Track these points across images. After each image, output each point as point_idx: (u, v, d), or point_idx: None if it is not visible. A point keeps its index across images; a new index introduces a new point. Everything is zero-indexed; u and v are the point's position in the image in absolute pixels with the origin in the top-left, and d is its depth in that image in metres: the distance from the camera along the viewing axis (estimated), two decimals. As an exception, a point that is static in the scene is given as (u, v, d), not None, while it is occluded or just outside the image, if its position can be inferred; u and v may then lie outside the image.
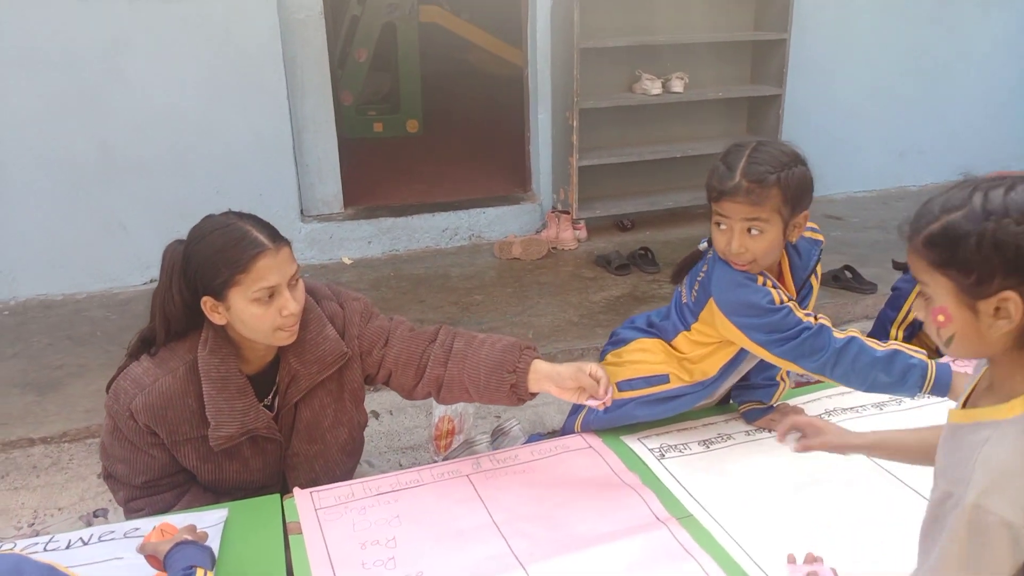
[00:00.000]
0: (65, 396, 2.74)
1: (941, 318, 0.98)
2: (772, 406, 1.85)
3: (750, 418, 1.87)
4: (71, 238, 3.63)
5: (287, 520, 1.60)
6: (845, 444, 1.40)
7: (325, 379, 1.75)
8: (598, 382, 1.60)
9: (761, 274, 1.64)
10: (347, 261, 3.98)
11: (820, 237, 1.76)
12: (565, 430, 1.94)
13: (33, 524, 2.21)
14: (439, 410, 2.51)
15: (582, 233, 4.15)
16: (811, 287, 1.77)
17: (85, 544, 1.54)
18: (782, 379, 1.84)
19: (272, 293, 1.56)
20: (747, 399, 1.87)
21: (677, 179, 4.37)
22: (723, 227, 1.60)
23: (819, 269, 1.77)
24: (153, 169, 3.67)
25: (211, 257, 1.54)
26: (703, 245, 1.74)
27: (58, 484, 2.35)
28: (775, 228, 1.58)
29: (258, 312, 1.56)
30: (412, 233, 4.09)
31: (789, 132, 4.36)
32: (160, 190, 3.68)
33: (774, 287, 1.64)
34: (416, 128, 6.41)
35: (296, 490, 1.68)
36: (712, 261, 1.68)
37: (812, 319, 1.63)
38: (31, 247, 3.62)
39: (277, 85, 3.71)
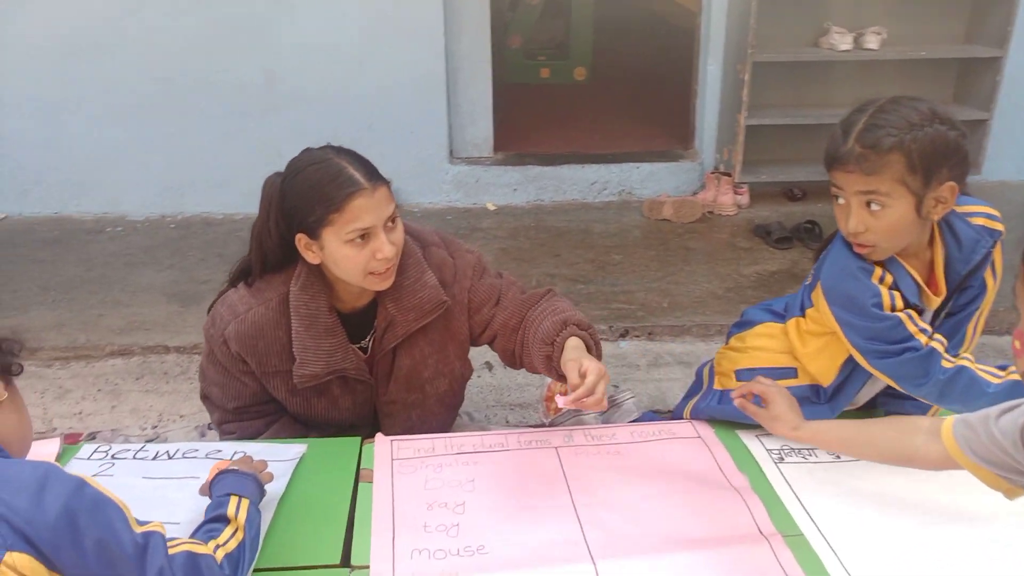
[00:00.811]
0: (203, 310, 2.84)
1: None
2: None
3: None
4: (233, 161, 3.79)
5: (362, 466, 1.54)
6: (788, 434, 1.40)
7: (427, 327, 1.66)
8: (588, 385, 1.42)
9: (885, 266, 1.36)
10: (491, 207, 3.90)
11: (997, 226, 1.42)
12: (675, 414, 1.75)
13: (156, 427, 2.33)
14: (553, 371, 2.40)
15: (744, 199, 3.81)
16: (981, 287, 1.44)
17: (170, 458, 1.57)
18: None
19: (366, 234, 1.47)
20: (896, 411, 1.59)
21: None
22: (840, 201, 1.34)
23: (998, 265, 1.43)
24: (311, 100, 3.73)
25: (305, 193, 1.47)
26: None
27: (183, 392, 2.46)
28: (902, 203, 1.29)
29: (351, 254, 1.48)
30: (559, 184, 3.93)
31: (1008, 104, 3.76)
32: (316, 121, 3.74)
33: (894, 288, 1.35)
34: (584, 76, 6.19)
35: (378, 436, 1.62)
36: (835, 239, 1.42)
37: (924, 338, 1.34)
38: (199, 167, 3.82)
39: (435, 23, 3.64)
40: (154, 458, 1.56)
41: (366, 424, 1.78)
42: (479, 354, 2.60)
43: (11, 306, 2.89)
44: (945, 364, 1.35)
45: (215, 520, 1.19)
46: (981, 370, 1.35)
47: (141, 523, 1.06)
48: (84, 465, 1.53)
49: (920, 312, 1.41)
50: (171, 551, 1.04)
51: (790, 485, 1.46)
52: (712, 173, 3.79)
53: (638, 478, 1.49)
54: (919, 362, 1.34)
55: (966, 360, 1.36)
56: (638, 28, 6.58)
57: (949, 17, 3.83)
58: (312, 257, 1.53)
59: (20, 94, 3.62)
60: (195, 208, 3.87)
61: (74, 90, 3.63)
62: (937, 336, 1.37)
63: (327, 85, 3.72)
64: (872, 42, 3.60)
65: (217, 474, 1.28)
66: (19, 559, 0.92)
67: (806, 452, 1.56)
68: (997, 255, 1.43)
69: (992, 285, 1.45)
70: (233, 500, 1.22)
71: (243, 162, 3.80)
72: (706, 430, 1.64)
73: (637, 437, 1.63)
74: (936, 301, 1.43)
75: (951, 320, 1.47)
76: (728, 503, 1.41)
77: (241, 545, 1.16)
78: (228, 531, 1.17)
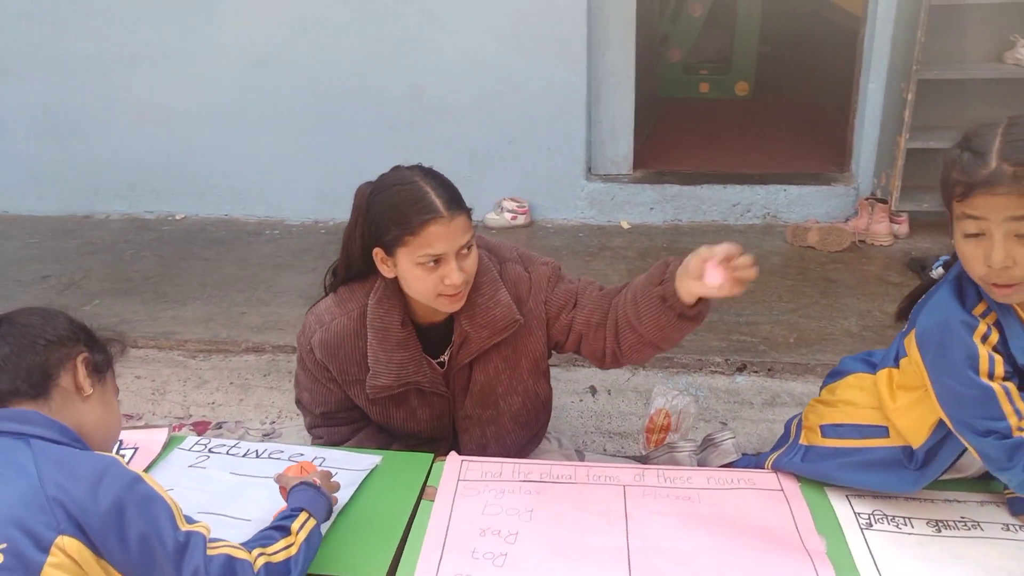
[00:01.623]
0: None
1: None
2: None
3: (1016, 509, 1.40)
4: (382, 170, 3.97)
5: (429, 483, 1.57)
6: None
7: (501, 344, 1.68)
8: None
9: (996, 321, 1.19)
10: (625, 225, 3.83)
11: None
12: (757, 463, 1.63)
13: (275, 423, 2.49)
14: (658, 401, 2.32)
15: (902, 228, 3.50)
16: None
17: (257, 457, 1.67)
18: None
19: (438, 259, 1.51)
20: None
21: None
22: (977, 235, 1.16)
23: None
24: (455, 114, 3.84)
25: (386, 212, 1.53)
26: (937, 271, 1.31)
27: (303, 392, 2.62)
28: None
29: (421, 275, 1.53)
30: (699, 204, 3.79)
31: None
32: (459, 135, 3.85)
33: (997, 349, 1.17)
34: (746, 91, 5.94)
35: (451, 455, 1.64)
36: (942, 283, 1.26)
37: (1016, 420, 1.16)
38: (350, 175, 4.04)
39: (578, 37, 3.63)
40: (244, 455, 1.68)
41: (447, 437, 1.82)
42: (584, 378, 2.58)
43: (173, 299, 3.20)
44: None
45: (277, 528, 1.23)
46: None
47: (189, 521, 1.13)
48: (184, 455, 1.67)
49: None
50: (210, 552, 1.10)
51: (872, 556, 1.33)
52: (866, 199, 3.50)
53: (703, 527, 1.42)
54: (1005, 449, 1.16)
55: None
56: (807, 40, 6.22)
57: None
58: (387, 271, 1.59)
59: (202, 105, 4.01)
60: (345, 215, 4.03)
61: (244, 102, 3.97)
62: None
63: (470, 99, 3.82)
64: (1066, 58, 3.19)
65: (300, 484, 1.33)
66: (70, 543, 1.02)
67: (902, 520, 1.41)
68: None
69: None
70: (302, 516, 1.26)
71: (389, 173, 4.00)
72: (790, 483, 1.52)
73: (713, 483, 1.54)
74: None
75: None
76: (796, 565, 1.31)
77: (289, 561, 1.19)
78: (282, 543, 1.20)
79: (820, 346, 2.60)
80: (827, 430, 1.45)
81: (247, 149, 4.06)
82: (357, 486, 1.54)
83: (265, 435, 2.41)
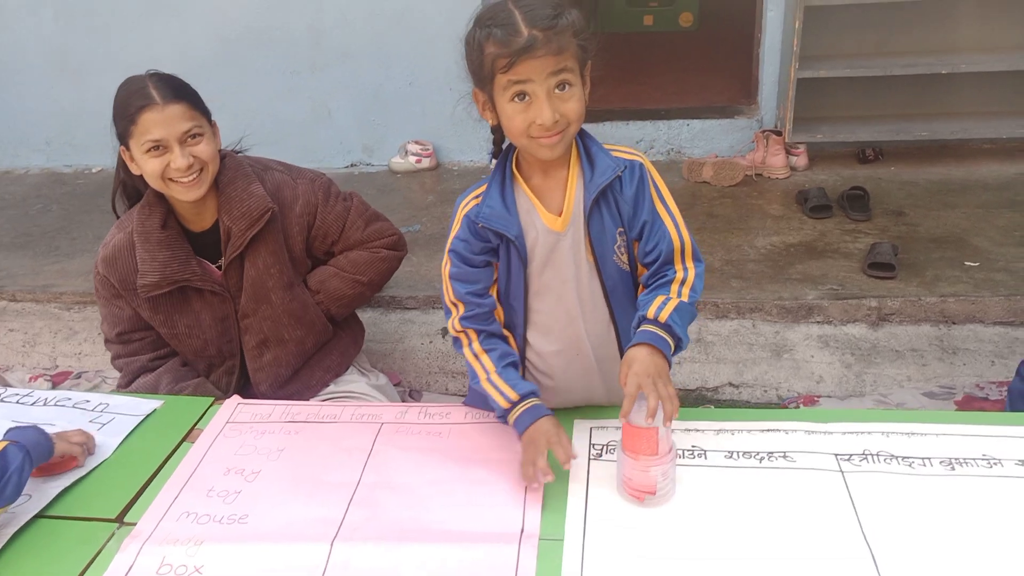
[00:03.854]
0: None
1: None
2: None
3: None
4: (286, 118, 3.96)
5: (199, 426, 1.61)
6: None
7: (266, 238, 1.80)
8: None
9: None
10: (530, 165, 3.80)
11: None
12: None
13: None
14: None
15: (800, 160, 3.45)
16: None
17: (44, 405, 1.71)
18: None
19: (159, 146, 1.62)
20: None
21: (945, 102, 3.38)
22: (523, 99, 1.27)
23: None
24: (356, 57, 3.80)
25: (116, 110, 1.66)
26: None
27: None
28: None
29: (149, 163, 1.64)
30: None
31: None
32: (360, 79, 3.82)
33: None
34: (690, 22, 5.81)
35: (235, 398, 1.69)
36: None
37: None
38: (255, 122, 4.01)
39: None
40: (32, 404, 1.73)
41: (235, 351, 1.90)
42: (439, 320, 2.61)
43: (64, 252, 3.20)
44: None
45: None
46: None
47: None
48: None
49: None
50: None
51: (588, 488, 1.36)
52: (762, 132, 3.45)
53: (441, 461, 1.46)
54: None
55: None
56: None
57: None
58: (133, 168, 1.70)
59: (113, 53, 3.98)
60: (257, 162, 4.10)
61: (151, 49, 3.92)
62: None
63: (369, 41, 3.77)
64: (959, -22, 3.09)
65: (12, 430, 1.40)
66: None
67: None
68: None
69: None
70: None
71: (294, 119, 3.98)
72: (544, 417, 1.55)
73: (470, 419, 1.58)
74: None
75: None
76: (510, 497, 1.34)
77: None
78: None
79: (676, 282, 2.59)
80: None
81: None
82: (127, 432, 1.59)
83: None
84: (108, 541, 1.31)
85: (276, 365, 1.91)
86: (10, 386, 2.33)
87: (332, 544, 1.27)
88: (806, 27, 3.18)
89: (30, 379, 2.49)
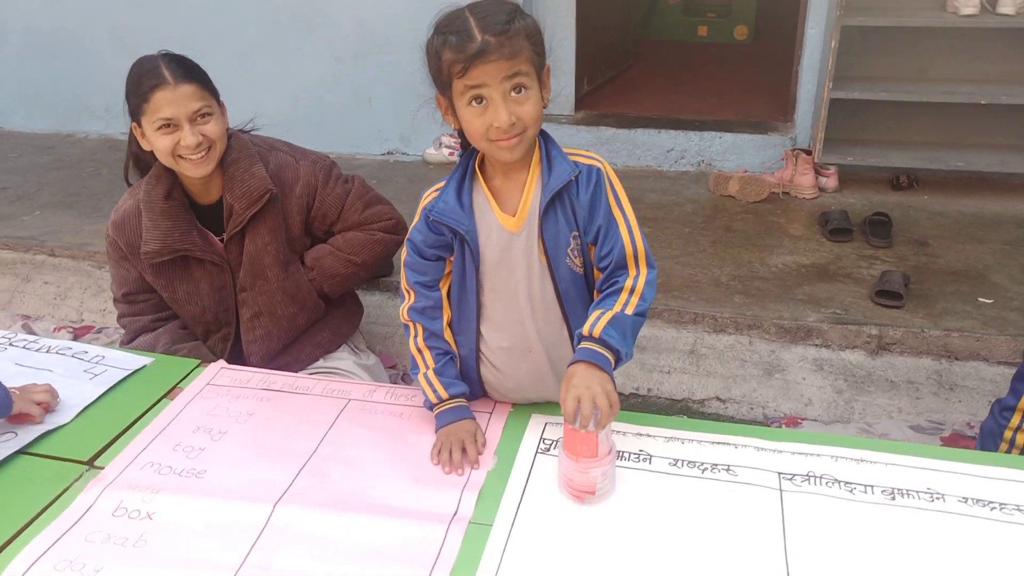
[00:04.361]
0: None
1: None
2: None
3: None
4: (331, 102, 4.08)
5: (181, 385, 1.71)
6: None
7: (266, 216, 1.89)
8: None
9: None
10: (559, 166, 3.84)
11: None
12: None
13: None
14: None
15: (830, 182, 3.41)
16: None
17: (47, 352, 1.83)
18: None
19: (170, 124, 1.71)
20: None
21: (983, 133, 3.30)
22: (480, 103, 1.30)
23: None
24: (398, 48, 3.89)
25: (129, 88, 1.75)
26: None
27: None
28: None
29: (160, 140, 1.73)
30: (633, 148, 3.76)
31: None
32: (401, 69, 3.90)
33: None
34: (745, 35, 5.75)
35: (220, 362, 1.78)
36: None
37: None
38: (303, 106, 4.16)
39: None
40: (37, 350, 1.85)
41: (231, 319, 1.99)
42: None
43: (106, 214, 3.39)
44: None
45: None
46: None
47: None
48: (-12, 347, 1.86)
49: None
50: None
51: (528, 480, 1.40)
52: (792, 150, 3.42)
53: (392, 441, 1.51)
54: None
55: None
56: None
57: None
58: (145, 144, 1.78)
59: (171, 30, 4.16)
60: (298, 141, 4.23)
61: (208, 28, 4.10)
62: None
63: (411, 34, 3.81)
64: (1007, 6, 3.00)
65: None
66: None
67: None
68: None
69: None
70: None
71: (337, 104, 4.09)
72: (504, 405, 1.59)
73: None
74: None
75: None
76: (452, 480, 1.40)
77: None
78: None
79: (679, 292, 2.61)
80: None
81: (212, 74, 4.21)
82: (113, 384, 1.69)
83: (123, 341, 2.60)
84: (75, 481, 1.41)
85: (268, 338, 1.99)
86: (34, 333, 2.49)
87: (275, 506, 1.34)
88: (845, 47, 3.14)
89: (54, 329, 2.63)
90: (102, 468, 1.45)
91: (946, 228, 3.06)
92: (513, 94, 1.29)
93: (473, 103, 1.29)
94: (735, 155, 3.66)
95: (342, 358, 2.09)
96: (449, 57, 1.28)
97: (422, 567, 1.21)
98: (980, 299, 2.53)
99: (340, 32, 3.96)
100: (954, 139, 3.35)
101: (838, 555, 1.22)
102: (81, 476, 1.43)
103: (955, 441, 2.12)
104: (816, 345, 2.41)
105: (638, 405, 2.33)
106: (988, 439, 1.70)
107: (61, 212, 3.43)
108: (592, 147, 3.81)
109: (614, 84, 4.49)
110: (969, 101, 3.12)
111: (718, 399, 2.30)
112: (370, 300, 2.69)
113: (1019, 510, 1.31)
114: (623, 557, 1.22)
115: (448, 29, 1.29)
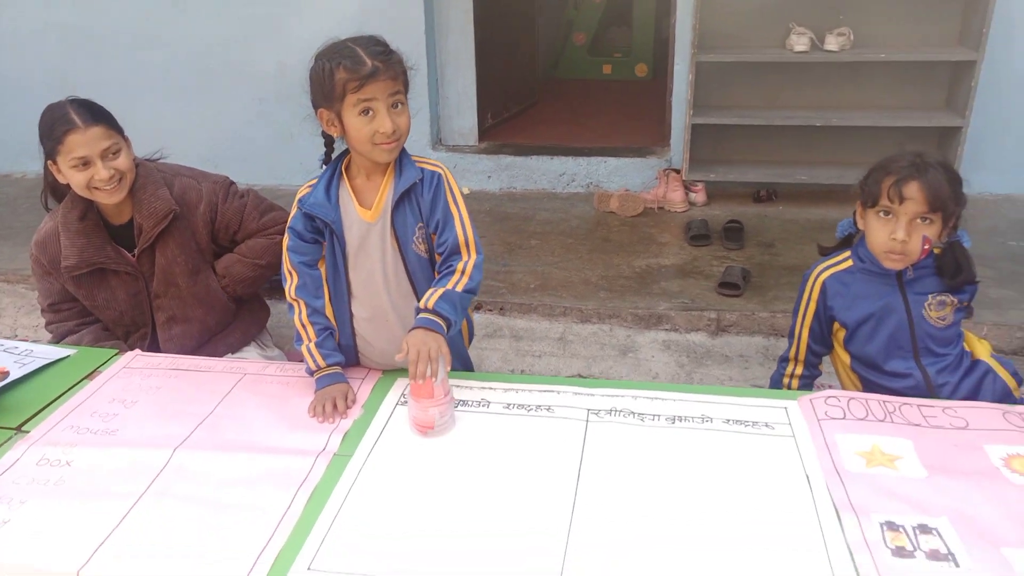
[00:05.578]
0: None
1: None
2: None
3: None
4: (256, 139, 4.42)
5: (100, 369, 2.00)
6: None
7: (174, 232, 2.14)
8: None
9: None
10: (465, 191, 4.21)
11: None
12: None
13: (83, 344, 2.95)
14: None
15: (699, 197, 3.86)
16: None
17: (-11, 351, 2.12)
18: None
19: (85, 162, 1.95)
20: None
21: (827, 151, 3.80)
22: (367, 113, 1.65)
23: None
24: (315, 88, 4.26)
25: (42, 132, 2.00)
26: None
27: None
28: None
29: (76, 176, 1.98)
30: (530, 173, 4.18)
31: (983, 111, 3.51)
32: (318, 107, 4.27)
33: None
34: (645, 72, 6.28)
35: (136, 350, 2.07)
36: None
37: None
38: (231, 143, 4.50)
39: (416, 22, 4.04)
40: (-18, 351, 2.13)
41: (147, 321, 2.25)
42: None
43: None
44: None
45: None
46: None
47: None
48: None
49: None
50: None
51: (388, 421, 1.73)
52: (664, 170, 3.87)
53: (278, 403, 1.80)
54: None
55: None
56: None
57: (937, 21, 3.63)
58: (61, 179, 2.04)
59: (103, 75, 4.47)
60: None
61: (136, 75, 4.42)
62: None
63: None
64: (832, 44, 3.52)
65: None
66: None
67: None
68: None
69: None
70: None
71: (262, 141, 4.43)
72: (376, 373, 1.92)
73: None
74: None
75: None
76: (326, 426, 1.71)
77: None
78: None
79: (553, 291, 2.99)
80: None
81: (140, 120, 4.49)
82: (39, 366, 1.98)
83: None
84: (4, 443, 1.70)
85: (182, 338, 2.28)
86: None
87: (174, 451, 1.64)
88: (703, 80, 3.62)
89: (-10, 345, 2.89)
90: (28, 432, 1.73)
91: (792, 233, 3.51)
92: (393, 108, 1.65)
93: (362, 114, 1.64)
94: (619, 176, 4.09)
95: (249, 352, 2.40)
96: (343, 76, 1.61)
97: (290, 488, 1.53)
98: (808, 288, 2.96)
99: (264, 76, 4.33)
100: (803, 157, 3.85)
101: (624, 468, 1.54)
102: (10, 439, 1.71)
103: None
104: (666, 329, 2.81)
105: (513, 385, 2.68)
106: (776, 386, 2.10)
107: (-1, 244, 3.69)
108: (493, 173, 4.23)
109: (519, 119, 4.94)
110: (806, 124, 3.62)
111: (579, 376, 2.67)
112: (280, 308, 3.00)
113: (767, 426, 1.69)
114: (457, 477, 1.54)
115: (340, 56, 1.63)
